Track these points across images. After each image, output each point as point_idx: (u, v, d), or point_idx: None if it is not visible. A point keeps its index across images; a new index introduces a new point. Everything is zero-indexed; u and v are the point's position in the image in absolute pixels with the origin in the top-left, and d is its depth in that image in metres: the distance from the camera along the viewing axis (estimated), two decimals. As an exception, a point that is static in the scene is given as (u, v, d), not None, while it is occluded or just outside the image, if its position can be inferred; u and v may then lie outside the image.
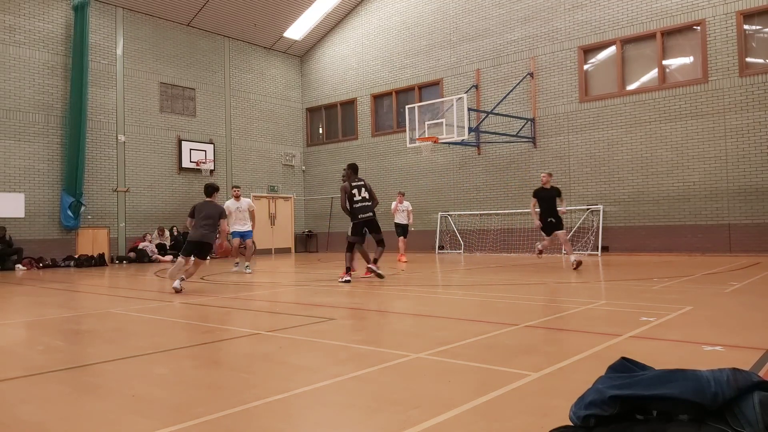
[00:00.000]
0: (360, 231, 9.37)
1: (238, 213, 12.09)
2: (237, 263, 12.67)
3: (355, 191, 9.43)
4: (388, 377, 3.29)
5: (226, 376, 3.41)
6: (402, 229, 14.39)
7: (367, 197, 9.44)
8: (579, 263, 10.54)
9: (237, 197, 12.25)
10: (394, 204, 14.62)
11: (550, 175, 11.06)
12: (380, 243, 9.54)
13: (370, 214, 9.38)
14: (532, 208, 11.00)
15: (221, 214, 8.56)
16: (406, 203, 14.57)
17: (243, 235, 12.19)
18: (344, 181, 9.67)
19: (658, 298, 6.40)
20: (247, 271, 11.99)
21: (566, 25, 16.51)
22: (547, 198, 10.82)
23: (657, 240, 14.80)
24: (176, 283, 7.91)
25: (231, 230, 11.83)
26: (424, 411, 2.60)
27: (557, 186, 11.62)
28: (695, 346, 3.85)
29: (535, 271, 10.78)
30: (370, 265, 9.41)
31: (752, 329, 4.47)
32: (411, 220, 14.68)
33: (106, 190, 17.64)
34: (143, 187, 18.46)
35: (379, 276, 9.22)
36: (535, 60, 17.01)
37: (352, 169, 9.68)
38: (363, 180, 9.68)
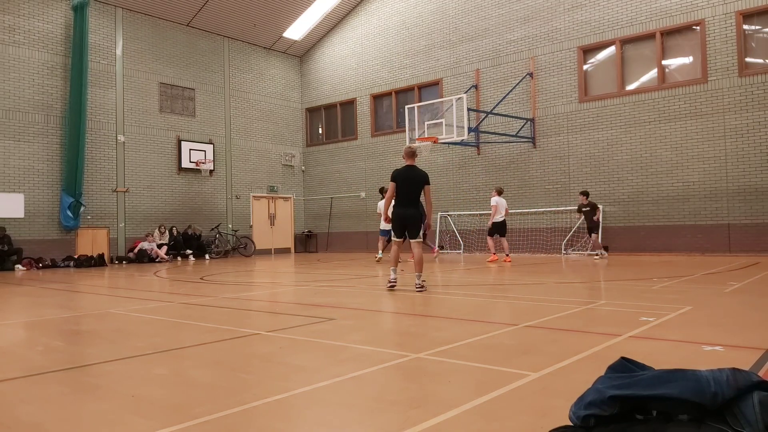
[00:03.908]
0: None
1: None
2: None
3: None
4: (388, 377, 3.29)
5: (226, 376, 3.41)
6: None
7: None
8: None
9: None
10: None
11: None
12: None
13: None
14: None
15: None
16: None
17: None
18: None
19: (657, 298, 6.40)
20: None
21: (566, 25, 16.51)
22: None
23: (656, 240, 14.80)
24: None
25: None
26: (424, 411, 2.60)
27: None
28: (695, 346, 3.85)
29: (535, 271, 10.78)
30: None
31: (752, 329, 4.47)
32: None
33: (106, 191, 17.64)
34: (143, 187, 18.46)
35: None
36: (534, 60, 17.02)
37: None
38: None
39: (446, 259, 15.69)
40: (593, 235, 13.97)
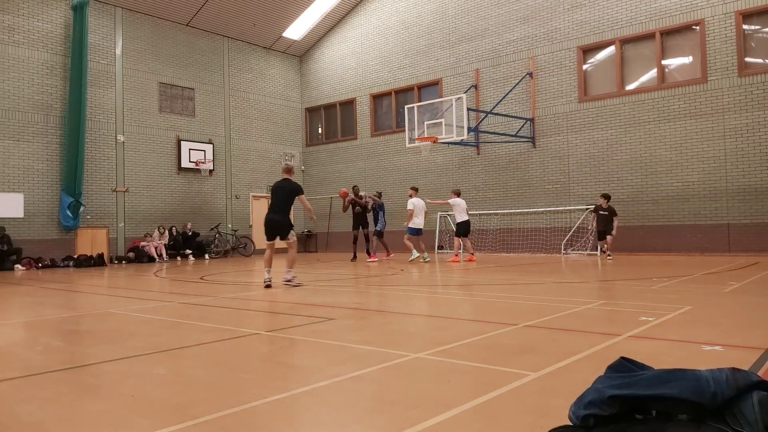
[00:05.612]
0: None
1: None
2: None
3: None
4: (387, 377, 3.29)
5: (226, 376, 3.41)
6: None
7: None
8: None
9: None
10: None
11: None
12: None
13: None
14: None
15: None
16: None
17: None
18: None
19: (657, 297, 6.40)
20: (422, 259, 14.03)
21: (565, 25, 16.52)
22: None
23: (656, 240, 14.81)
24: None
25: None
26: (424, 411, 2.60)
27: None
28: (695, 345, 3.86)
29: (535, 271, 10.79)
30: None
31: (751, 329, 4.48)
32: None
33: (106, 190, 17.63)
34: (142, 187, 18.46)
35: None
36: (534, 60, 17.02)
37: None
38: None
39: (446, 259, 15.69)
40: (608, 237, 13.56)
